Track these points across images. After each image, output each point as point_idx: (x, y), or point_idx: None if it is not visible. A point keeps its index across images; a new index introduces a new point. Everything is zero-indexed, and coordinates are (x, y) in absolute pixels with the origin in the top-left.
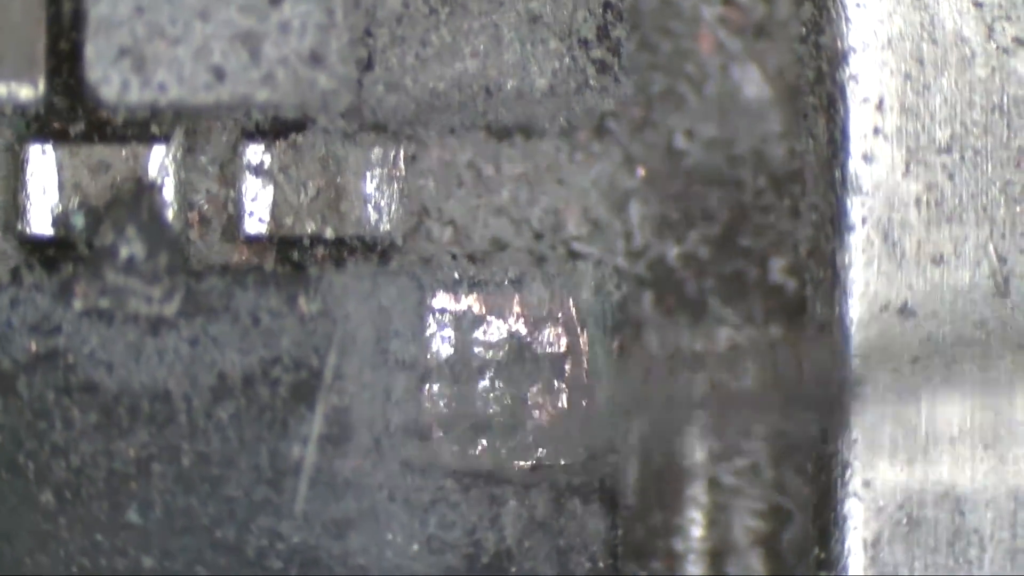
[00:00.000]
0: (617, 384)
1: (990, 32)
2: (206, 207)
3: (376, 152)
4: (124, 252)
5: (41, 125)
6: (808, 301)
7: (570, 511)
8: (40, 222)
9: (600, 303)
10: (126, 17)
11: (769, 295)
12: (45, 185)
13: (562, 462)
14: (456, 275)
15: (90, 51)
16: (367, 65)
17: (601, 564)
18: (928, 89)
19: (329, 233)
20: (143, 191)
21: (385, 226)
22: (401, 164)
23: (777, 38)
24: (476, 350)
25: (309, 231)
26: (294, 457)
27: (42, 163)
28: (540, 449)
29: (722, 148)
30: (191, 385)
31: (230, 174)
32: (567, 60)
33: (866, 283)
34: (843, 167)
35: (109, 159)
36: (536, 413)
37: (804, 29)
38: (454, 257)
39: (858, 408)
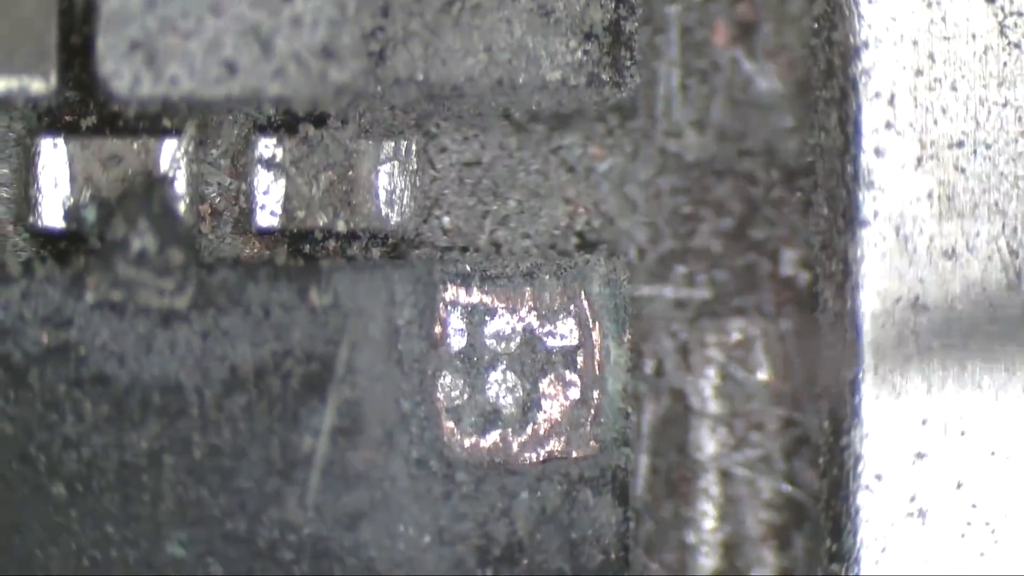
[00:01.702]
0: (629, 377)
1: (1002, 28)
2: (218, 200)
3: (388, 145)
4: (136, 245)
5: (53, 118)
6: (820, 294)
7: (582, 503)
8: (52, 215)
9: (612, 296)
10: (138, 11)
11: (781, 288)
12: (57, 178)
13: (574, 455)
14: (468, 268)
15: (102, 45)
16: (379, 59)
17: (612, 556)
18: (940, 84)
19: (341, 226)
20: (155, 184)
21: (397, 219)
22: (413, 157)
23: (790, 33)
24: (488, 343)
25: (321, 224)
26: (306, 449)
27: (54, 156)
28: (552, 442)
29: (734, 142)
30: (202, 377)
31: (242, 167)
32: (579, 54)
33: (878, 277)
34: (855, 161)
35: (121, 152)
36: (548, 406)
37: (817, 24)
38: (465, 250)
39: (870, 401)
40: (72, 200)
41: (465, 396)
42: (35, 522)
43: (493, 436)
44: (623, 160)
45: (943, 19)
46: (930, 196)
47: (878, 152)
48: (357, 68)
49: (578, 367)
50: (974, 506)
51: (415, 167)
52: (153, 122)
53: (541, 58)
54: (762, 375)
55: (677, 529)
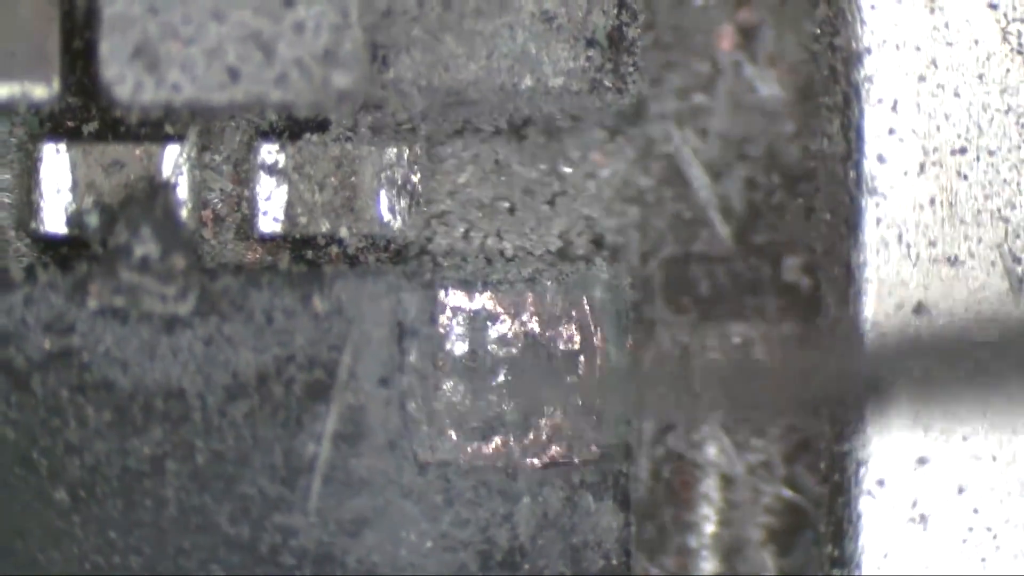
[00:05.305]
0: (631, 382)
1: (1004, 34)
2: (220, 206)
3: (390, 151)
4: (138, 251)
5: (55, 124)
6: (822, 300)
7: (583, 508)
8: (54, 221)
9: (614, 301)
10: (140, 16)
11: (783, 294)
12: (59, 184)
13: (575, 460)
14: (470, 274)
15: (104, 50)
16: (381, 65)
17: (614, 561)
18: (942, 90)
19: (343, 232)
20: (157, 190)
21: (399, 225)
22: (415, 163)
23: (792, 38)
24: (490, 348)
25: (323, 230)
26: (308, 455)
27: (56, 162)
28: (553, 447)
29: (736, 147)
30: (205, 383)
31: (244, 173)
32: (582, 60)
33: (880, 283)
34: (858, 167)
35: (123, 158)
36: (549, 411)
37: (819, 30)
38: (467, 256)
39: (872, 406)
40: (74, 206)
41: (467, 401)
42: (37, 527)
43: (495, 441)
44: (625, 166)
45: (946, 25)
46: (932, 203)
47: (881, 158)
48: (359, 74)
49: (580, 373)
50: (976, 511)
51: (417, 173)
52: (155, 128)
53: (543, 64)
54: (764, 380)
55: (678, 534)
